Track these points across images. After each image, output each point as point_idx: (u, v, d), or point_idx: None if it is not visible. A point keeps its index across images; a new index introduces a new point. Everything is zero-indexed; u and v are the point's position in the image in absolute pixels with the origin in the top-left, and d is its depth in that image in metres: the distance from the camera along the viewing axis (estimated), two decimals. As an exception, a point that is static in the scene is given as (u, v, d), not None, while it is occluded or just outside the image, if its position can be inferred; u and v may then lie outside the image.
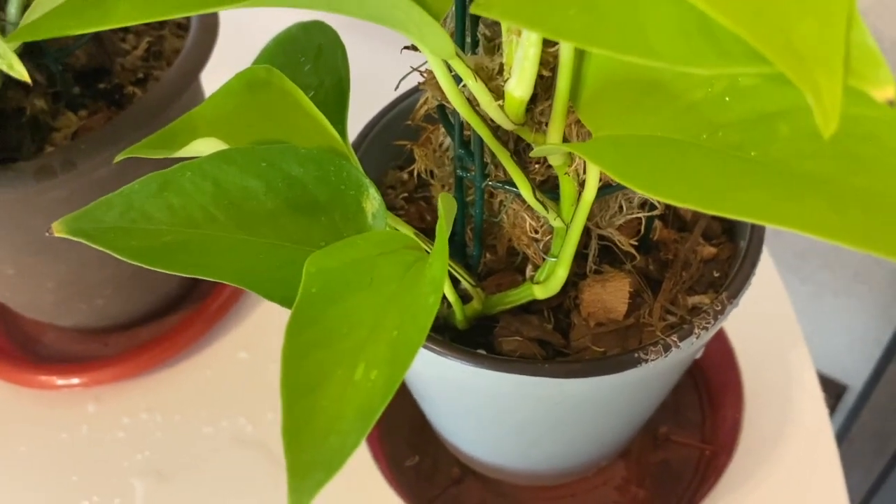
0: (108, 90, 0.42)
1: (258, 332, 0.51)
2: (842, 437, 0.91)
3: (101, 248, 0.24)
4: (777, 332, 0.48)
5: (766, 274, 0.51)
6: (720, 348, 0.44)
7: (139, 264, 0.24)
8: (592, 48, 0.16)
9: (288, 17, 0.33)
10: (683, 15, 0.15)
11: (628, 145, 0.21)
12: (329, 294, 0.22)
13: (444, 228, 0.22)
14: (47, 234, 0.24)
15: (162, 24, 0.44)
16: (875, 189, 0.17)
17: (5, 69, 0.19)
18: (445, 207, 0.23)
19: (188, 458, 0.45)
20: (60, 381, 0.48)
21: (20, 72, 0.19)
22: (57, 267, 0.42)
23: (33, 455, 0.46)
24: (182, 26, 0.44)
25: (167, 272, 0.24)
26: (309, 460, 0.19)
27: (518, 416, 0.33)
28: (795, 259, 0.83)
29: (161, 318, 0.50)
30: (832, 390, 0.91)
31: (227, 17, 0.45)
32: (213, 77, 0.42)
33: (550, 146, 0.23)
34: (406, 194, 0.36)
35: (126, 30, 0.44)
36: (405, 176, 0.37)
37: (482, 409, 0.34)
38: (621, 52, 0.15)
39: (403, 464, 0.43)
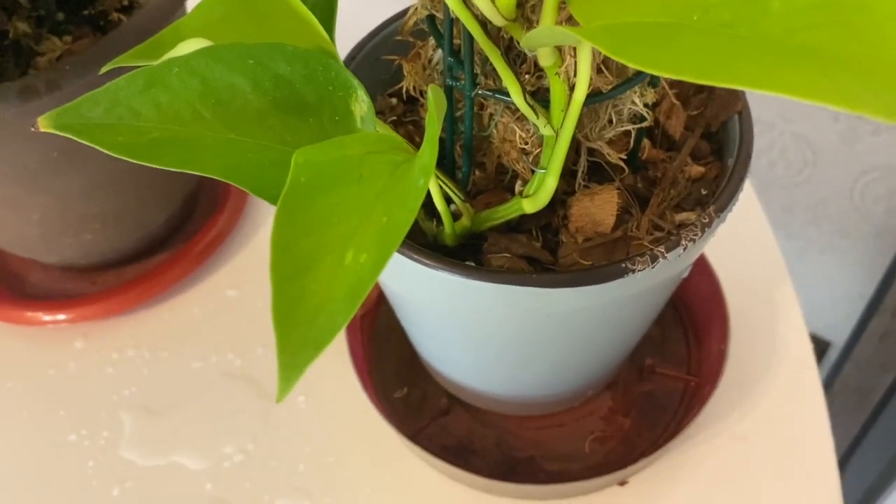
0: (92, 16, 0.41)
1: (247, 271, 0.51)
2: (825, 391, 0.92)
3: (87, 143, 0.24)
4: (763, 269, 0.48)
5: (754, 217, 0.51)
6: (706, 282, 0.44)
7: (127, 158, 0.24)
8: None
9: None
10: None
11: (621, 29, 0.21)
12: (318, 185, 0.22)
13: (434, 117, 0.22)
14: (32, 128, 0.24)
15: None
16: (866, 55, 0.17)
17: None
18: (436, 99, 0.23)
19: (177, 393, 0.45)
20: (47, 317, 0.48)
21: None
22: (42, 198, 0.42)
23: (20, 390, 0.46)
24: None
25: (154, 166, 0.24)
26: (299, 339, 0.19)
27: (506, 333, 0.33)
28: (783, 214, 0.83)
29: (149, 257, 0.50)
30: (816, 346, 0.91)
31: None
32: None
33: (541, 30, 0.23)
34: (395, 118, 0.36)
35: None
36: (394, 101, 0.37)
37: (471, 328, 0.34)
38: None
39: (392, 395, 0.43)
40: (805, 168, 0.78)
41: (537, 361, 0.36)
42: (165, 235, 0.51)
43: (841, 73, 0.17)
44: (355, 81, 0.26)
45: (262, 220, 0.53)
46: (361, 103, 0.26)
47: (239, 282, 0.50)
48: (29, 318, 0.48)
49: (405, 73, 0.33)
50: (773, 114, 0.75)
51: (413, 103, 0.36)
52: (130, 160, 0.24)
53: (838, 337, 0.91)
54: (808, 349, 0.45)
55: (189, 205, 0.52)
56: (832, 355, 0.92)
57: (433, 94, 0.23)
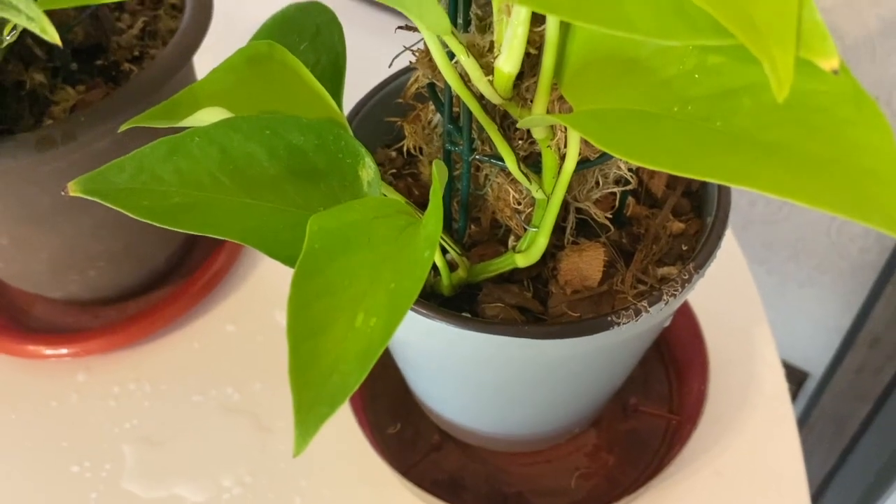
0: (104, 67, 0.43)
1: (245, 307, 0.52)
2: (803, 421, 0.95)
3: (114, 207, 0.25)
4: (741, 311, 0.50)
5: (732, 258, 0.54)
6: (687, 325, 0.47)
7: (150, 222, 0.25)
8: (578, 22, 0.18)
9: (275, 5, 0.34)
10: (659, -6, 0.17)
11: (607, 116, 0.23)
12: (330, 250, 0.24)
13: (438, 190, 0.24)
14: (63, 193, 0.26)
15: (157, 4, 0.46)
16: (825, 154, 0.19)
17: (38, 32, 0.20)
18: (439, 172, 0.25)
19: (177, 426, 0.47)
20: (49, 351, 0.50)
21: (52, 34, 0.20)
22: (52, 238, 0.44)
23: (24, 422, 0.47)
24: (177, 7, 0.45)
25: (175, 230, 0.25)
26: (314, 397, 0.21)
27: (498, 378, 0.35)
28: (763, 250, 0.86)
29: (150, 292, 0.52)
30: (794, 377, 0.94)
31: (217, 4, 0.46)
32: (204, 60, 0.44)
33: (536, 117, 0.25)
34: (394, 171, 0.38)
35: (122, 9, 0.45)
36: (393, 154, 0.39)
37: (465, 372, 0.36)
38: (604, 25, 0.17)
39: (386, 431, 0.45)
40: (784, 206, 0.81)
41: (527, 402, 0.38)
42: (167, 271, 0.52)
43: (803, 170, 0.19)
44: (363, 150, 0.28)
45: (259, 258, 0.55)
46: (368, 169, 0.28)
47: (237, 317, 0.52)
48: (31, 351, 0.50)
49: (406, 134, 0.35)
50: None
51: (412, 156, 0.38)
52: (154, 224, 0.25)
53: (816, 368, 0.93)
54: (783, 388, 0.47)
55: (189, 242, 0.53)
56: (810, 386, 0.94)
57: (437, 168, 0.25)
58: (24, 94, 0.40)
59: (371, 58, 0.39)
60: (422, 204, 0.37)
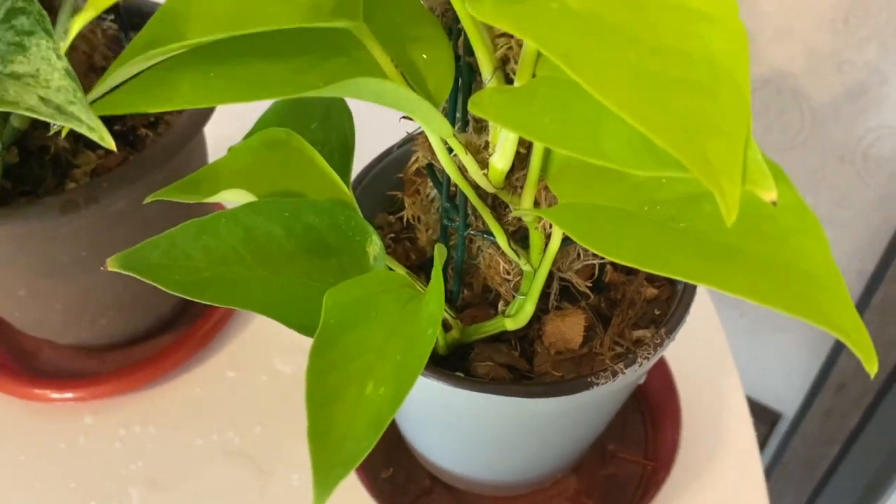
0: (122, 132, 0.46)
1: (244, 354, 0.55)
2: (776, 461, 0.98)
3: (148, 281, 0.28)
4: (712, 363, 0.54)
5: (705, 311, 0.57)
6: (662, 376, 0.50)
7: (181, 295, 0.28)
8: (560, 150, 0.21)
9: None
10: (630, 132, 0.20)
11: (586, 213, 0.26)
12: (343, 324, 0.27)
13: (439, 274, 0.27)
14: (102, 269, 0.29)
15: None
16: (773, 258, 0.23)
17: (97, 139, 0.24)
18: (440, 256, 0.29)
19: (181, 468, 0.49)
20: (55, 395, 0.52)
21: (109, 143, 0.24)
22: (67, 290, 0.46)
23: (32, 464, 0.50)
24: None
25: (201, 302, 0.28)
26: (330, 459, 0.24)
27: (487, 430, 0.38)
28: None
29: (155, 338, 0.54)
30: (768, 418, 0.98)
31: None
32: (211, 126, 0.47)
33: (525, 210, 0.28)
34: (393, 235, 0.41)
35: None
36: (392, 219, 0.42)
37: (457, 424, 0.39)
38: (582, 154, 0.21)
39: (380, 475, 0.48)
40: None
41: (513, 451, 0.41)
42: (171, 318, 0.55)
43: (755, 272, 0.23)
44: (370, 228, 0.31)
45: (260, 305, 0.57)
46: (374, 245, 0.31)
47: (237, 364, 0.55)
48: (37, 394, 0.52)
49: (406, 205, 0.38)
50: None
51: (410, 222, 0.41)
52: (184, 296, 0.28)
53: (789, 409, 0.97)
54: (751, 437, 0.50)
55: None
56: (782, 426, 0.98)
57: (438, 252, 0.29)
58: (48, 157, 0.43)
59: (374, 131, 0.43)
60: (419, 266, 0.40)
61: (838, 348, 0.83)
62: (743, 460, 0.49)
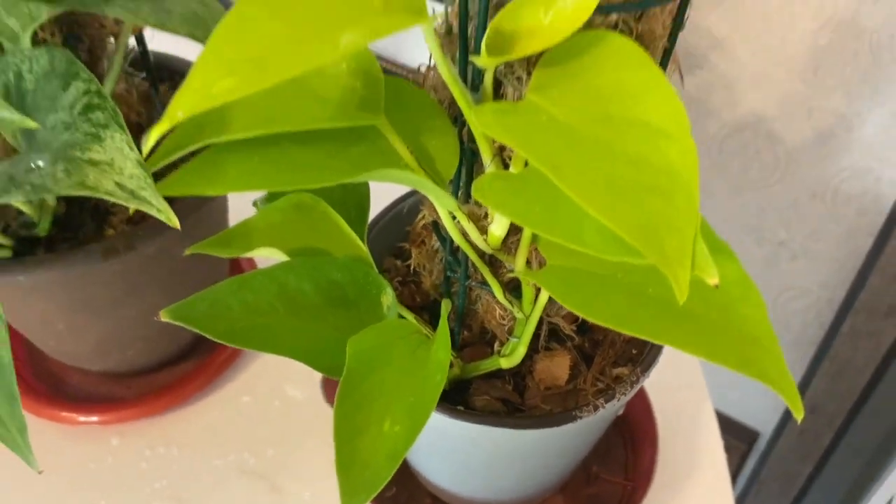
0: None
1: (257, 381, 0.60)
2: (754, 477, 1.03)
3: (195, 330, 0.33)
4: (688, 391, 0.59)
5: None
6: (641, 403, 0.55)
7: (223, 342, 0.33)
8: (546, 235, 0.26)
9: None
10: (604, 224, 0.25)
11: (569, 277, 0.31)
12: (363, 370, 0.32)
13: (445, 326, 0.32)
14: (155, 318, 0.33)
15: (196, 125, 0.54)
16: (723, 323, 0.28)
17: (164, 220, 0.28)
18: (445, 310, 0.33)
19: (201, 486, 0.54)
20: (81, 418, 0.57)
21: (174, 223, 0.28)
22: (101, 324, 0.51)
23: (64, 482, 0.54)
24: (214, 128, 0.53)
25: (243, 348, 0.33)
26: (354, 486, 0.29)
27: (483, 455, 0.43)
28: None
29: (176, 366, 0.59)
30: (747, 437, 1.03)
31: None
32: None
33: (519, 273, 0.33)
34: (400, 279, 0.46)
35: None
36: (399, 263, 0.47)
37: (455, 449, 0.43)
38: (565, 241, 0.26)
39: (384, 494, 0.52)
40: (735, 283, 0.90)
41: (506, 474, 0.46)
42: (191, 347, 0.60)
43: (708, 334, 0.28)
44: (384, 281, 0.36)
45: (272, 334, 0.62)
46: (388, 296, 0.36)
47: (252, 390, 0.59)
48: (65, 417, 0.57)
49: (413, 255, 0.43)
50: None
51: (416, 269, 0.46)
52: (226, 343, 0.33)
53: (766, 428, 1.02)
54: (722, 460, 0.55)
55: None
56: (761, 445, 1.03)
57: (444, 306, 0.34)
58: (89, 206, 0.48)
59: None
60: (422, 307, 0.45)
61: (811, 372, 0.88)
62: (714, 480, 0.54)
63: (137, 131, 0.50)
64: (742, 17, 0.71)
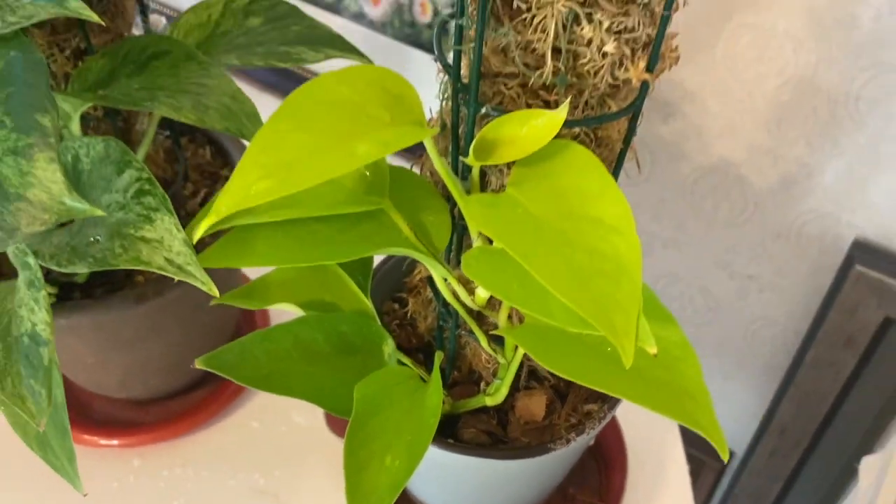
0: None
1: (266, 408, 0.65)
2: (728, 494, 1.09)
3: (226, 376, 0.39)
4: (655, 420, 0.64)
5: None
6: (613, 433, 0.61)
7: (249, 386, 0.39)
8: (523, 309, 0.32)
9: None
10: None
11: (542, 335, 0.37)
12: (368, 411, 0.38)
13: (437, 377, 0.38)
14: (192, 367, 0.39)
15: (215, 177, 0.60)
16: (665, 379, 0.34)
17: (206, 291, 0.34)
18: (438, 361, 0.39)
19: (215, 505, 0.59)
20: (103, 441, 0.62)
21: (215, 292, 0.34)
22: (127, 358, 0.57)
23: (92, 499, 0.59)
24: (230, 181, 0.59)
25: (266, 391, 0.39)
26: (362, 511, 0.35)
27: (470, 482, 0.49)
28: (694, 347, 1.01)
29: (192, 391, 0.65)
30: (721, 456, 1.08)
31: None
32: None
33: (501, 331, 0.39)
34: (398, 321, 0.52)
35: (186, 179, 0.59)
36: (397, 308, 0.53)
37: (446, 475, 0.49)
38: (536, 314, 0.31)
39: (381, 512, 0.58)
40: (709, 312, 0.96)
41: (491, 496, 0.51)
42: (206, 376, 0.65)
43: (654, 388, 0.33)
44: (385, 333, 0.42)
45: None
46: (389, 346, 0.42)
47: (261, 416, 0.65)
48: (87, 440, 0.62)
49: (409, 303, 0.49)
50: (682, 270, 0.93)
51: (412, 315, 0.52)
52: (251, 387, 0.39)
53: (739, 448, 1.08)
54: (686, 482, 0.61)
55: (223, 351, 0.66)
56: (734, 464, 1.09)
57: (437, 357, 0.39)
58: (120, 254, 0.53)
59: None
60: (417, 348, 0.51)
61: (779, 397, 0.94)
62: (679, 500, 0.60)
63: (165, 187, 0.56)
64: (712, 73, 0.78)
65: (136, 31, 0.49)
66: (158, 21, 0.50)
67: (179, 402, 0.64)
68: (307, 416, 0.65)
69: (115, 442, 0.62)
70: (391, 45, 0.84)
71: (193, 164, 0.60)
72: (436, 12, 0.79)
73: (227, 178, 0.60)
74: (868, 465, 0.79)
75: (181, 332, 0.57)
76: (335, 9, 0.86)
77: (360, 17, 0.85)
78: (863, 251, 0.79)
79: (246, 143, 0.57)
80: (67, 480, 0.42)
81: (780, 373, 0.96)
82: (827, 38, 0.70)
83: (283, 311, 0.43)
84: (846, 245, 0.82)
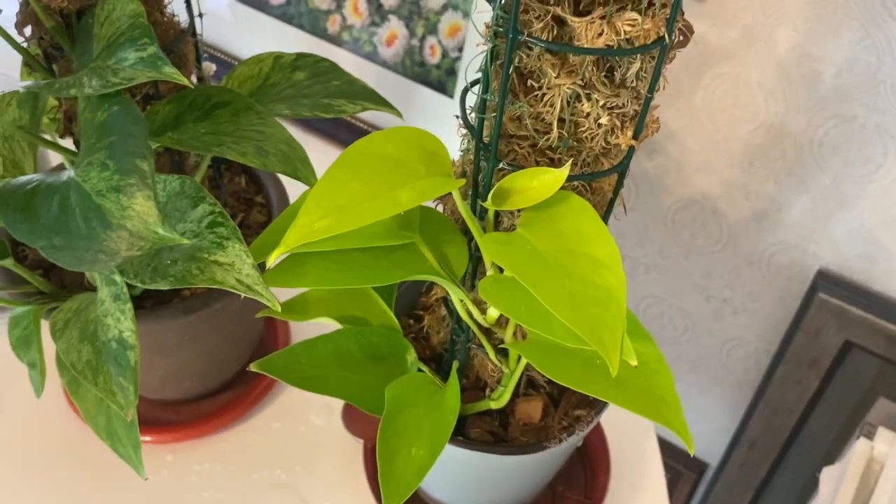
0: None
1: (287, 409, 0.72)
2: (703, 502, 1.16)
3: (275, 377, 0.46)
4: (635, 426, 0.72)
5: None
6: (598, 437, 0.68)
7: (295, 387, 0.46)
8: (529, 327, 0.39)
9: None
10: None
11: (543, 347, 0.44)
12: (397, 409, 0.45)
13: (455, 382, 0.45)
14: (247, 369, 0.46)
15: (249, 203, 0.67)
16: (644, 387, 0.41)
17: (271, 307, 0.41)
18: (455, 368, 0.47)
19: (241, 497, 0.66)
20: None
21: (277, 307, 0.41)
22: (168, 363, 0.64)
23: (130, 491, 0.66)
24: (264, 206, 0.67)
25: (309, 391, 0.46)
26: (394, 491, 0.42)
27: (475, 475, 0.56)
28: (671, 364, 1.08)
29: (220, 393, 0.71)
30: (696, 467, 1.16)
31: (293, 197, 0.67)
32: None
33: (507, 344, 0.47)
34: (413, 335, 0.59)
35: (225, 205, 0.66)
36: (413, 323, 0.60)
37: (452, 468, 0.57)
38: (540, 332, 0.39)
39: (391, 504, 0.65)
40: (687, 331, 1.04)
41: (492, 488, 0.59)
42: (233, 381, 0.72)
43: (634, 394, 0.41)
44: (408, 344, 0.49)
45: (297, 371, 0.75)
46: (411, 355, 0.49)
47: (283, 417, 0.72)
48: (125, 435, 0.69)
49: (425, 319, 0.56)
50: (663, 293, 1.01)
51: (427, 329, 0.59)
52: (297, 388, 0.46)
53: (713, 460, 1.15)
54: (662, 485, 0.69)
55: (250, 361, 0.73)
56: (709, 474, 1.17)
57: (454, 367, 0.47)
58: (169, 270, 0.60)
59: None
60: (430, 359, 0.58)
61: (750, 412, 1.02)
62: (655, 497, 0.67)
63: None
64: (692, 116, 0.86)
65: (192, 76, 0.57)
66: (210, 67, 0.57)
67: (209, 404, 0.71)
68: (324, 418, 0.72)
69: (148, 438, 0.69)
70: (402, 82, 0.92)
71: (230, 191, 0.67)
72: (444, 54, 0.87)
73: (260, 204, 0.67)
74: (828, 475, 0.87)
75: (217, 341, 0.64)
76: (353, 48, 0.94)
77: (373, 56, 0.93)
78: (825, 280, 0.87)
79: (279, 175, 0.65)
80: (132, 466, 0.49)
81: (752, 389, 1.04)
82: (794, 90, 0.78)
83: (302, 324, 0.50)
84: (811, 274, 0.90)
